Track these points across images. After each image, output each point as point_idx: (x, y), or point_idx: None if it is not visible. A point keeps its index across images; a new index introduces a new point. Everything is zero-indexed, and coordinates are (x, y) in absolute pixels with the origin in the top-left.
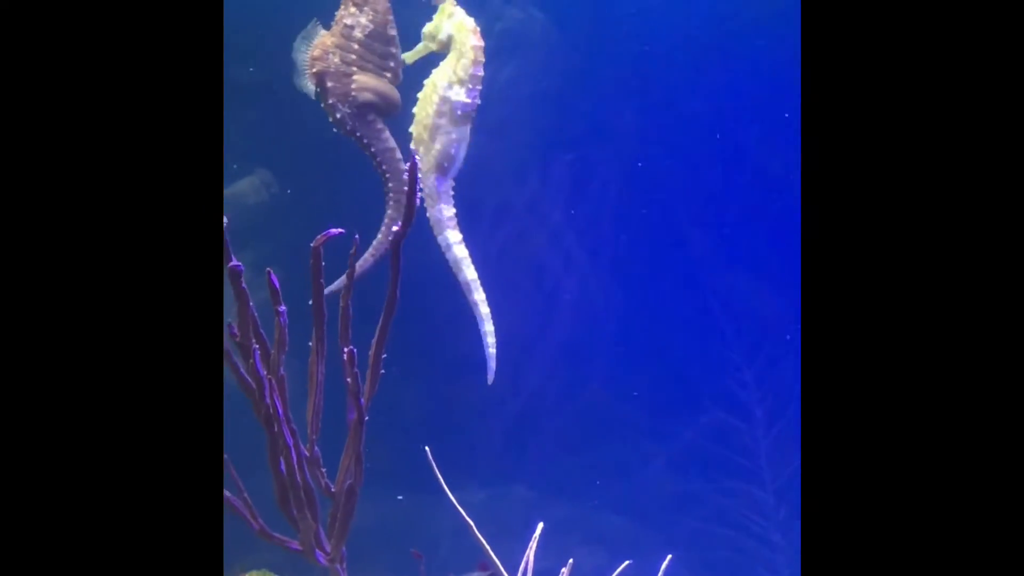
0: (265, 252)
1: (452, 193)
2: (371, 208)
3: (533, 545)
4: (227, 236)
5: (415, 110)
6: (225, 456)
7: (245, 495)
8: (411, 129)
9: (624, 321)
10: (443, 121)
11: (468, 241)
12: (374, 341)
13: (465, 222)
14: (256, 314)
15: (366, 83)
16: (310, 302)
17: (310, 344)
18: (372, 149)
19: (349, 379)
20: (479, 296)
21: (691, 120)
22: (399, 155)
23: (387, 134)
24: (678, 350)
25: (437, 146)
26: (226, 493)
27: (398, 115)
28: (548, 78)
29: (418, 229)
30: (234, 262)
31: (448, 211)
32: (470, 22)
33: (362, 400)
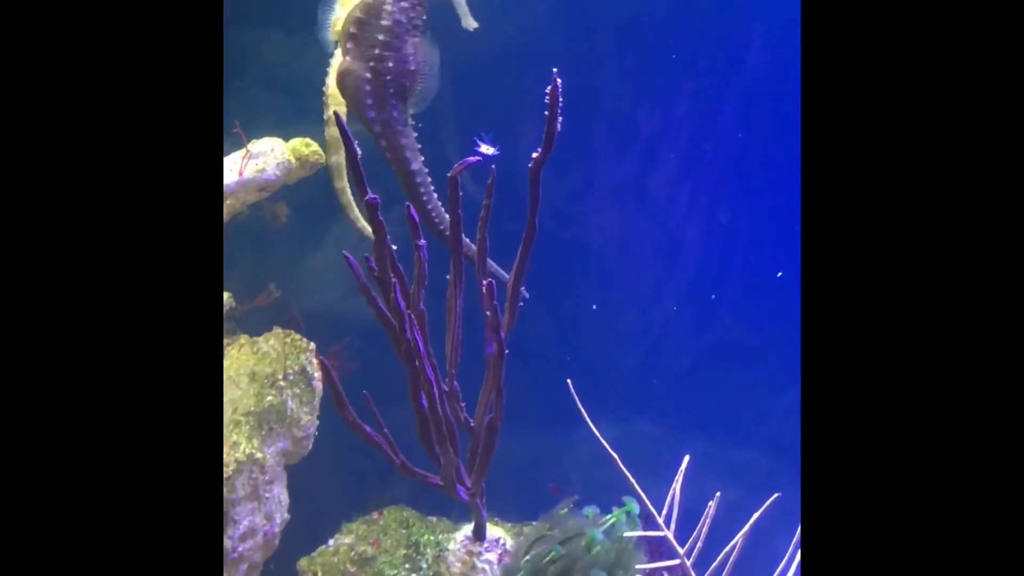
0: (393, 188)
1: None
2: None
3: (679, 478)
4: (361, 168)
5: None
6: (364, 392)
7: (385, 431)
8: None
9: (753, 254)
10: None
11: (591, 176)
12: (512, 272)
13: (586, 156)
14: (393, 248)
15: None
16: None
17: (447, 277)
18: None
19: (488, 312)
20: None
21: None
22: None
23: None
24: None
25: None
26: (367, 428)
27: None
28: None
29: (550, 165)
30: (370, 195)
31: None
32: None
33: (502, 333)
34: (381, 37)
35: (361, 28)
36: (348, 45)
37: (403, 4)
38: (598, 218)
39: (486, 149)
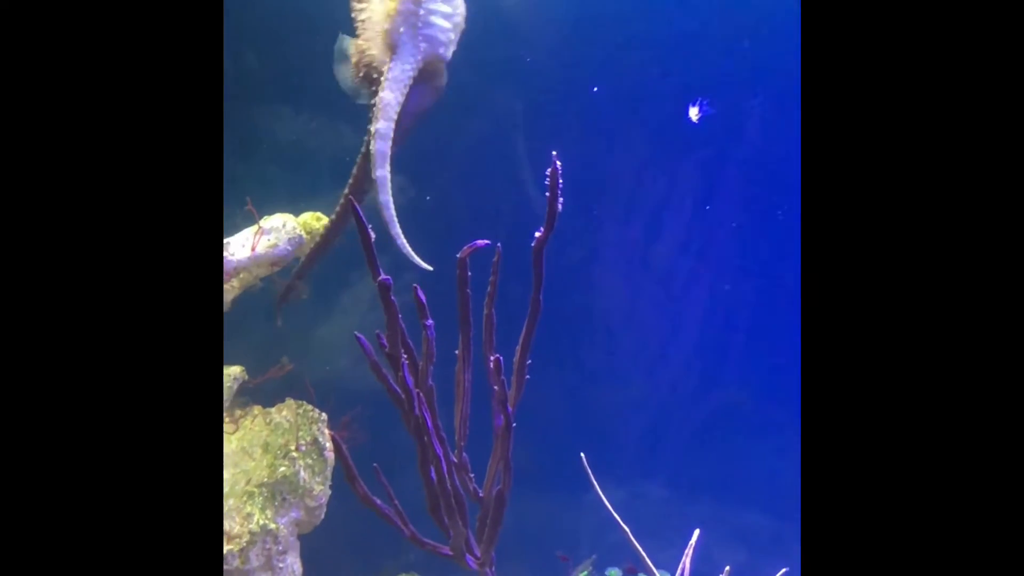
0: (402, 256)
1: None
2: (508, 212)
3: (689, 552)
4: (374, 250)
5: None
6: (374, 465)
7: (396, 502)
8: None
9: (757, 317)
10: None
11: (598, 246)
12: (519, 347)
13: (593, 226)
14: (404, 325)
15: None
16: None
17: (456, 352)
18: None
19: (496, 386)
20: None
21: None
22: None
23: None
24: None
25: None
26: (376, 501)
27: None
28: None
29: (556, 237)
30: (383, 276)
31: None
32: None
33: (509, 407)
34: None
35: None
36: None
37: None
38: (605, 286)
39: (694, 112)
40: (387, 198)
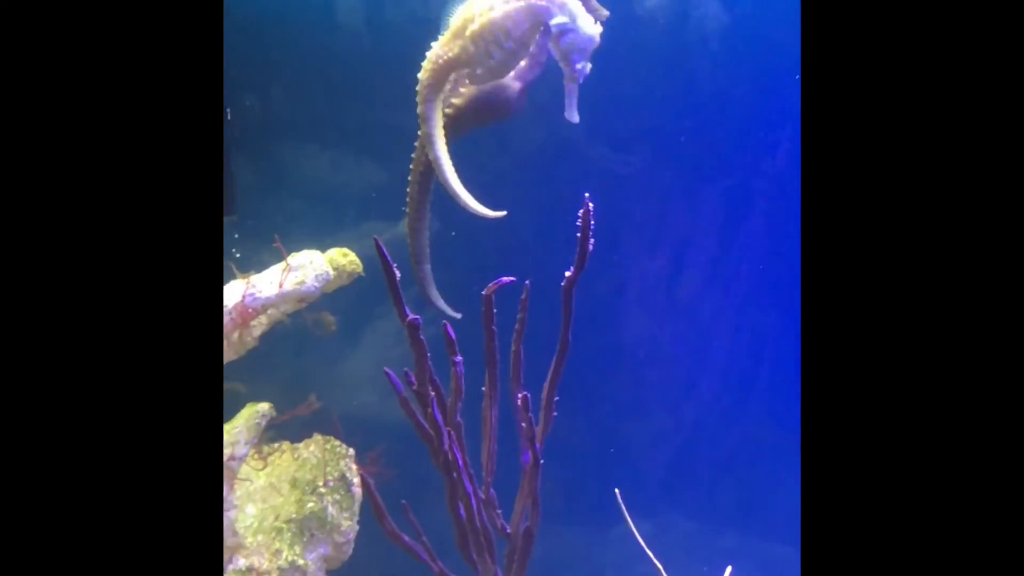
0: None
1: None
2: (533, 247)
3: None
4: (400, 290)
5: None
6: (403, 501)
7: (424, 538)
8: None
9: (782, 348)
10: None
11: (622, 277)
12: (547, 384)
13: (617, 257)
14: (431, 364)
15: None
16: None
17: (483, 389)
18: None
19: (523, 424)
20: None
21: None
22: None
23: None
24: None
25: None
26: (404, 537)
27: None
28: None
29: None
30: (412, 316)
31: None
32: None
33: (536, 444)
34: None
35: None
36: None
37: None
38: (630, 320)
39: None
40: (448, 175)
